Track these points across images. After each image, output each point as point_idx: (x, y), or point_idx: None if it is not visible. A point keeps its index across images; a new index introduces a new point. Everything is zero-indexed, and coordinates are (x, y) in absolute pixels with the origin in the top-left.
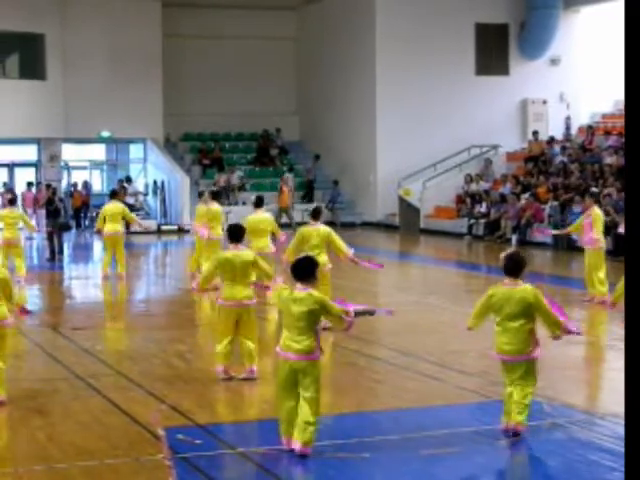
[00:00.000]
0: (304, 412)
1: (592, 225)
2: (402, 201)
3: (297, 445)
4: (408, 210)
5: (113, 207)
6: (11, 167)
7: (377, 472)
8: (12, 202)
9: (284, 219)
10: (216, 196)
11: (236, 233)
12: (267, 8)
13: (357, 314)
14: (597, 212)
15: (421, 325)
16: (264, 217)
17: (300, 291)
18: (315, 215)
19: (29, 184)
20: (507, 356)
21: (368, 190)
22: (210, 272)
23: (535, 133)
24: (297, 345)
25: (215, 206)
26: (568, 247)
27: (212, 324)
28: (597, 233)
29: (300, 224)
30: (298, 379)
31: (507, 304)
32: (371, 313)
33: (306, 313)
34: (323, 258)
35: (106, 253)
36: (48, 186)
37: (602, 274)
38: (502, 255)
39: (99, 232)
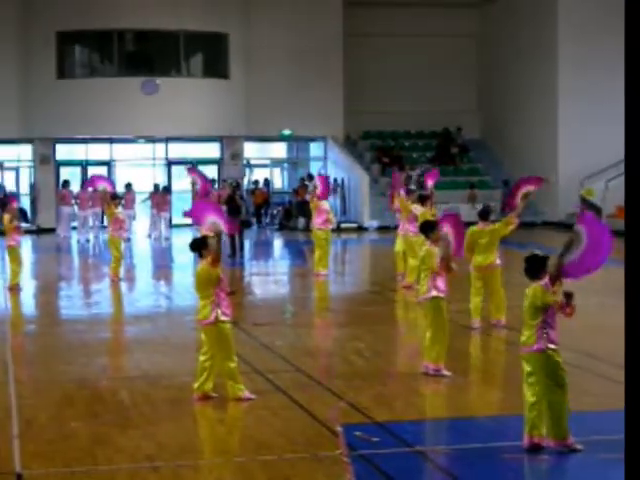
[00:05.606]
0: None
1: None
2: (583, 200)
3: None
4: (590, 210)
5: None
6: (194, 164)
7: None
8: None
9: None
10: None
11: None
12: (448, 5)
13: None
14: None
15: (607, 327)
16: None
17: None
18: (484, 215)
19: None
20: None
21: (549, 189)
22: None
23: None
24: (522, 337)
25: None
26: None
27: (393, 322)
28: None
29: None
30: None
31: None
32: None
33: (526, 307)
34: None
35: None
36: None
37: None
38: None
39: None
